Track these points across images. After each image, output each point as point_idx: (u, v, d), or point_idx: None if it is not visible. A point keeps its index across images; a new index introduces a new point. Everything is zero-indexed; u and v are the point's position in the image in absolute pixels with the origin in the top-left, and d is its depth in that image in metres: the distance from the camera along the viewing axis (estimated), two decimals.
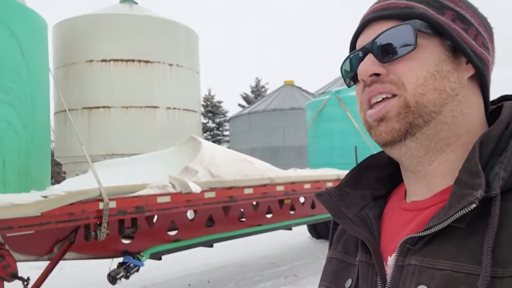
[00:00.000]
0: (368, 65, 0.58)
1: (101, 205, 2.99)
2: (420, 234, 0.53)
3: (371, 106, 0.60)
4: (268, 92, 25.09)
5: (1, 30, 3.29)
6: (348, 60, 0.65)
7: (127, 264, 3.27)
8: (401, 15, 0.58)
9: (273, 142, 15.26)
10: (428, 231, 0.52)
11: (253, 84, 30.33)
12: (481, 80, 0.59)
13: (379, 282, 0.57)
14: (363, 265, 0.61)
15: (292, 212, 5.13)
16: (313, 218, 5.40)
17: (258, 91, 29.66)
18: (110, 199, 3.03)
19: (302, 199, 5.34)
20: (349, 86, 0.67)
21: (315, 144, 7.66)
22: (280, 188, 4.37)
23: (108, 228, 3.09)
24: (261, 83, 30.34)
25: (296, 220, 5.09)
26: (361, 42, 0.63)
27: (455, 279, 0.48)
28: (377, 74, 0.58)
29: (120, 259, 3.40)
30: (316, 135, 7.59)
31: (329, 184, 5.17)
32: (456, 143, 0.58)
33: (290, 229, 5.26)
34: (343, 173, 5.65)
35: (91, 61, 9.15)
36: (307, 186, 4.75)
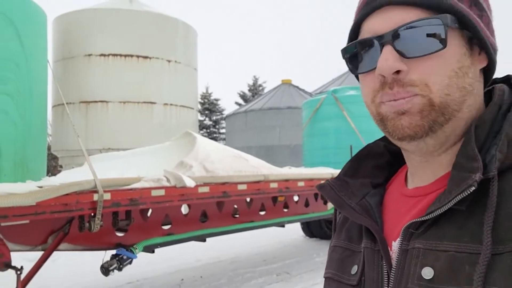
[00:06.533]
0: (393, 61, 0.53)
1: (95, 197, 3.01)
2: (423, 219, 0.54)
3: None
4: (266, 90, 25.13)
5: (0, 20, 3.31)
6: (355, 45, 0.59)
7: (120, 256, 3.30)
8: (429, 4, 0.53)
9: (268, 140, 15.30)
10: (430, 215, 0.53)
11: (251, 82, 30.39)
12: (492, 70, 0.58)
13: (385, 266, 0.58)
14: (369, 252, 0.61)
15: (285, 210, 5.17)
16: (306, 216, 5.44)
17: (255, 90, 29.69)
18: (104, 191, 3.05)
19: (296, 198, 5.38)
20: (353, 73, 0.63)
21: (310, 143, 7.71)
22: (273, 185, 4.41)
23: (102, 220, 3.11)
24: (259, 82, 30.39)
25: (289, 217, 5.13)
26: (374, 27, 0.56)
27: (458, 259, 0.50)
28: (399, 71, 0.54)
29: (114, 251, 3.43)
30: (312, 134, 7.63)
31: None
32: (463, 134, 0.58)
33: (283, 226, 5.30)
34: (337, 172, 5.69)
35: (89, 55, 9.14)
36: (300, 184, 4.79)
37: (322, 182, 0.72)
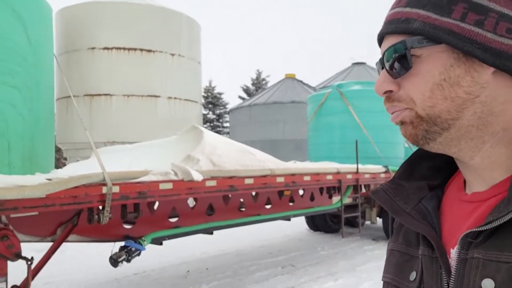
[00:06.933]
0: (381, 83, 0.59)
1: (104, 190, 3.03)
2: (482, 229, 0.52)
3: None
4: (269, 85, 25.08)
5: (8, 13, 3.31)
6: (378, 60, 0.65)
7: (129, 248, 3.32)
8: (402, 31, 0.57)
9: (272, 135, 15.29)
10: (489, 225, 0.52)
11: (254, 76, 30.33)
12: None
13: (444, 275, 0.57)
14: (426, 259, 0.60)
15: (291, 204, 5.19)
16: (312, 210, 5.45)
17: (258, 84, 29.63)
18: (113, 184, 3.07)
19: (301, 192, 5.39)
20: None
21: (315, 138, 7.71)
22: (280, 180, 4.42)
23: (111, 212, 3.14)
24: (262, 76, 30.33)
25: (294, 211, 5.15)
26: (381, 50, 0.62)
27: None
28: (390, 91, 0.59)
29: (122, 243, 3.45)
30: (317, 129, 7.63)
31: (329, 177, 5.22)
32: (493, 140, 0.56)
33: (289, 219, 5.32)
34: (343, 166, 5.70)
35: (93, 48, 9.13)
36: (306, 178, 4.80)
37: (376, 187, 0.70)
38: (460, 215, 0.60)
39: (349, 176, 5.61)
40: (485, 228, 0.52)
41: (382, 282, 0.70)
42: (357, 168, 5.82)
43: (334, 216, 7.84)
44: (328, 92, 7.39)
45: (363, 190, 6.41)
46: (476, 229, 0.53)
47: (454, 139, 0.57)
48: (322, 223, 7.99)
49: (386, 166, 6.48)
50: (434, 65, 0.55)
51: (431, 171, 0.69)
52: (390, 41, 0.59)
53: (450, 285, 0.56)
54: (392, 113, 0.61)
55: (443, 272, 0.57)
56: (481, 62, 0.53)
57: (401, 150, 7.52)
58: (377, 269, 5.33)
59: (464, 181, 0.64)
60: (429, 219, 0.62)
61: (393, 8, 0.60)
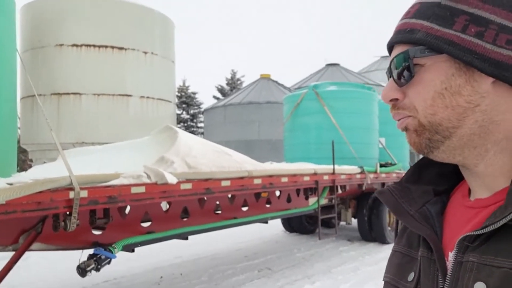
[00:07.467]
0: (387, 91, 0.62)
1: (71, 194, 2.84)
2: (478, 233, 0.54)
3: None
4: (244, 85, 24.98)
5: None
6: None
7: (98, 256, 3.14)
8: (407, 40, 0.59)
9: (248, 135, 15.19)
10: (485, 229, 0.53)
11: (229, 76, 30.13)
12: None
13: (440, 277, 0.59)
14: (425, 261, 0.62)
15: (268, 206, 5.10)
16: (289, 211, 5.38)
17: (233, 84, 29.47)
18: (81, 188, 2.89)
19: (277, 193, 5.30)
20: None
21: (291, 138, 7.66)
22: (257, 181, 4.31)
23: (79, 219, 2.95)
24: (237, 76, 30.18)
25: (272, 213, 5.06)
26: (390, 59, 0.64)
27: None
28: (396, 98, 0.61)
29: (91, 251, 3.26)
30: (293, 129, 7.58)
31: (306, 179, 5.16)
32: (496, 148, 0.57)
33: (266, 222, 5.23)
34: (319, 167, 5.66)
35: (61, 45, 8.81)
36: (284, 179, 4.72)
37: (383, 188, 0.71)
38: (461, 220, 0.62)
39: (325, 177, 5.58)
40: (481, 232, 0.54)
41: (382, 282, 0.73)
42: (334, 169, 5.80)
43: (310, 217, 7.81)
44: (304, 92, 7.35)
45: (339, 191, 6.40)
46: (473, 233, 0.55)
47: (457, 148, 0.58)
48: (298, 225, 7.95)
49: (361, 167, 6.49)
50: (436, 74, 0.57)
51: (438, 177, 0.70)
52: (397, 50, 0.61)
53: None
54: (398, 120, 0.63)
55: (440, 275, 0.59)
56: (480, 72, 0.55)
57: (375, 150, 7.57)
58: (352, 271, 5.32)
59: (469, 188, 0.65)
60: (431, 222, 0.64)
61: (402, 19, 0.63)
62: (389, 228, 7.15)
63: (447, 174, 0.70)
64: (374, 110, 7.54)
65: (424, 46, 0.57)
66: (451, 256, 0.59)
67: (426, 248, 0.62)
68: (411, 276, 0.64)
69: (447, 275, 0.57)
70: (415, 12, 0.60)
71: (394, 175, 7.48)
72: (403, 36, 0.60)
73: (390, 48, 0.64)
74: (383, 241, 6.99)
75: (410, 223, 0.65)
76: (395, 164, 7.66)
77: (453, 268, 0.57)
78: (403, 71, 0.59)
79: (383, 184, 7.62)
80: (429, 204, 0.66)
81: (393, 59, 0.61)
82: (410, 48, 0.58)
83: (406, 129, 0.62)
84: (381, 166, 7.18)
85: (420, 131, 0.59)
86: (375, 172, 6.82)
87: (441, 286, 0.58)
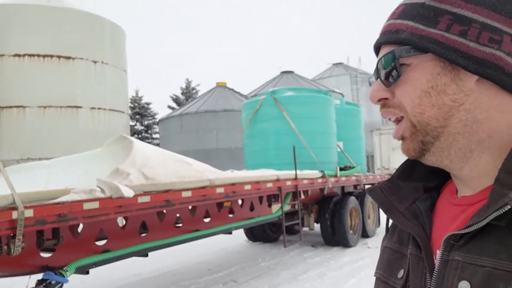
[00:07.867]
0: (374, 92, 0.63)
1: (14, 214, 2.56)
2: (462, 232, 0.55)
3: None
4: (200, 93, 24.70)
5: None
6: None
7: (48, 281, 2.84)
8: (393, 41, 0.60)
9: (206, 144, 14.96)
10: (469, 228, 0.53)
11: (184, 85, 29.70)
12: (495, 80, 0.56)
13: (428, 275, 0.59)
14: (414, 258, 0.63)
15: (231, 216, 4.94)
16: (253, 220, 5.25)
17: (189, 93, 29.09)
18: (26, 207, 2.61)
19: (240, 201, 5.16)
20: None
21: (251, 145, 7.56)
22: (220, 190, 4.15)
23: (24, 241, 2.66)
24: (192, 85, 29.83)
25: (235, 223, 4.90)
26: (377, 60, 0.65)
27: (494, 276, 0.50)
28: (385, 98, 0.62)
29: (40, 276, 2.96)
30: (252, 136, 7.49)
31: (269, 185, 5.06)
32: (480, 148, 0.58)
33: (230, 233, 5.06)
34: (281, 173, 5.59)
35: (2, 55, 8.28)
36: (247, 187, 4.59)
37: (373, 185, 0.71)
38: (448, 218, 0.62)
39: (288, 183, 5.51)
40: (465, 232, 0.54)
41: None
42: (296, 174, 5.75)
43: (272, 225, 7.72)
44: (263, 98, 7.30)
45: (302, 196, 6.36)
46: (458, 232, 0.55)
47: (445, 149, 0.59)
48: (261, 233, 7.84)
49: (322, 171, 6.51)
50: (422, 73, 0.58)
51: (429, 173, 0.70)
52: (383, 51, 0.62)
53: (432, 286, 0.58)
54: (388, 119, 0.64)
55: (427, 273, 0.59)
56: (464, 70, 0.56)
57: (334, 154, 7.64)
58: (319, 277, 5.27)
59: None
60: (421, 220, 0.64)
61: (388, 20, 0.64)
62: (351, 232, 7.22)
63: (437, 170, 0.69)
64: (332, 115, 7.63)
65: (409, 46, 0.58)
66: (438, 254, 0.59)
67: (415, 245, 0.63)
68: (400, 273, 0.65)
69: (434, 273, 0.58)
70: (400, 13, 0.61)
71: (354, 178, 7.58)
72: (389, 37, 0.61)
73: (377, 49, 0.65)
74: (346, 244, 7.03)
75: (400, 221, 0.65)
76: (354, 167, 7.76)
77: (439, 267, 0.57)
78: (391, 71, 0.60)
79: (343, 188, 7.70)
80: (419, 201, 0.67)
81: (379, 59, 0.61)
82: (396, 48, 0.59)
83: (402, 137, 0.62)
84: (341, 169, 7.25)
85: (414, 134, 0.60)
86: (336, 176, 6.87)
87: (428, 284, 0.59)
